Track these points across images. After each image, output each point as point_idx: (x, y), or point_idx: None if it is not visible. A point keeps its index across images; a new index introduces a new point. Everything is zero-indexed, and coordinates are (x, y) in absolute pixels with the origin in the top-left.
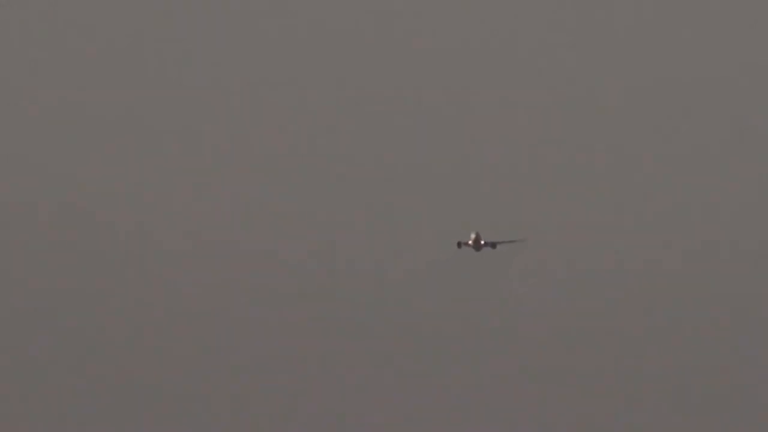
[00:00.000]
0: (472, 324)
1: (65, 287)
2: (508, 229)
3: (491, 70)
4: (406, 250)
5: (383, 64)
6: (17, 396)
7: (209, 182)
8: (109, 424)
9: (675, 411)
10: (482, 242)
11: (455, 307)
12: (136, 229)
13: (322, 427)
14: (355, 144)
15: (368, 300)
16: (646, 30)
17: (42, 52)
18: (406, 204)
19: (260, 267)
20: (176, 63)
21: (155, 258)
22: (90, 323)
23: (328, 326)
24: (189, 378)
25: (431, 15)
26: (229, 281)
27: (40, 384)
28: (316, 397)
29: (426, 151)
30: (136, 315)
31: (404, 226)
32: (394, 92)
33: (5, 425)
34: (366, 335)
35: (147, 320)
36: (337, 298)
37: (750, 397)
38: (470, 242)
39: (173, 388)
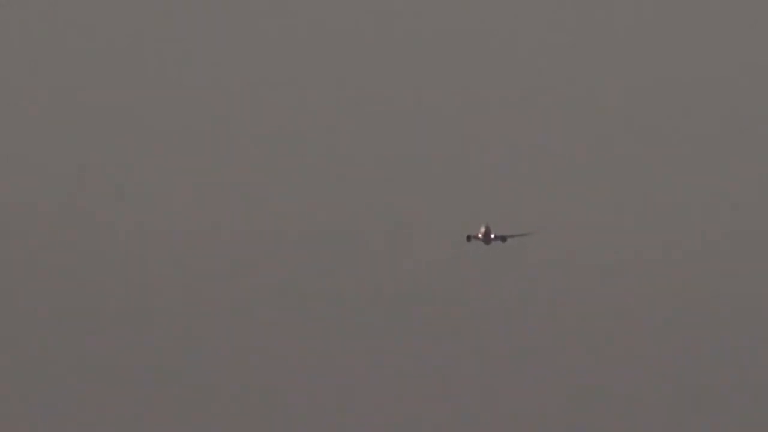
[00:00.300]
0: (474, 322)
1: (65, 287)
2: (509, 227)
3: (491, 70)
4: (412, 245)
5: (383, 64)
6: (17, 396)
7: (209, 182)
8: (110, 424)
9: (675, 411)
10: (492, 236)
11: (460, 303)
12: (136, 229)
13: (322, 427)
14: (355, 143)
15: (372, 298)
16: (646, 30)
17: (42, 52)
18: (409, 201)
19: (261, 267)
20: (176, 63)
21: (155, 258)
22: (90, 323)
23: (330, 325)
24: (189, 378)
25: (431, 14)
26: (229, 281)
27: (40, 384)
28: (318, 396)
29: (429, 148)
30: (136, 315)
31: (410, 223)
32: (394, 92)
33: (5, 425)
34: (370, 334)
35: (147, 320)
36: (341, 296)
37: (750, 397)
38: (480, 235)
39: (174, 388)
